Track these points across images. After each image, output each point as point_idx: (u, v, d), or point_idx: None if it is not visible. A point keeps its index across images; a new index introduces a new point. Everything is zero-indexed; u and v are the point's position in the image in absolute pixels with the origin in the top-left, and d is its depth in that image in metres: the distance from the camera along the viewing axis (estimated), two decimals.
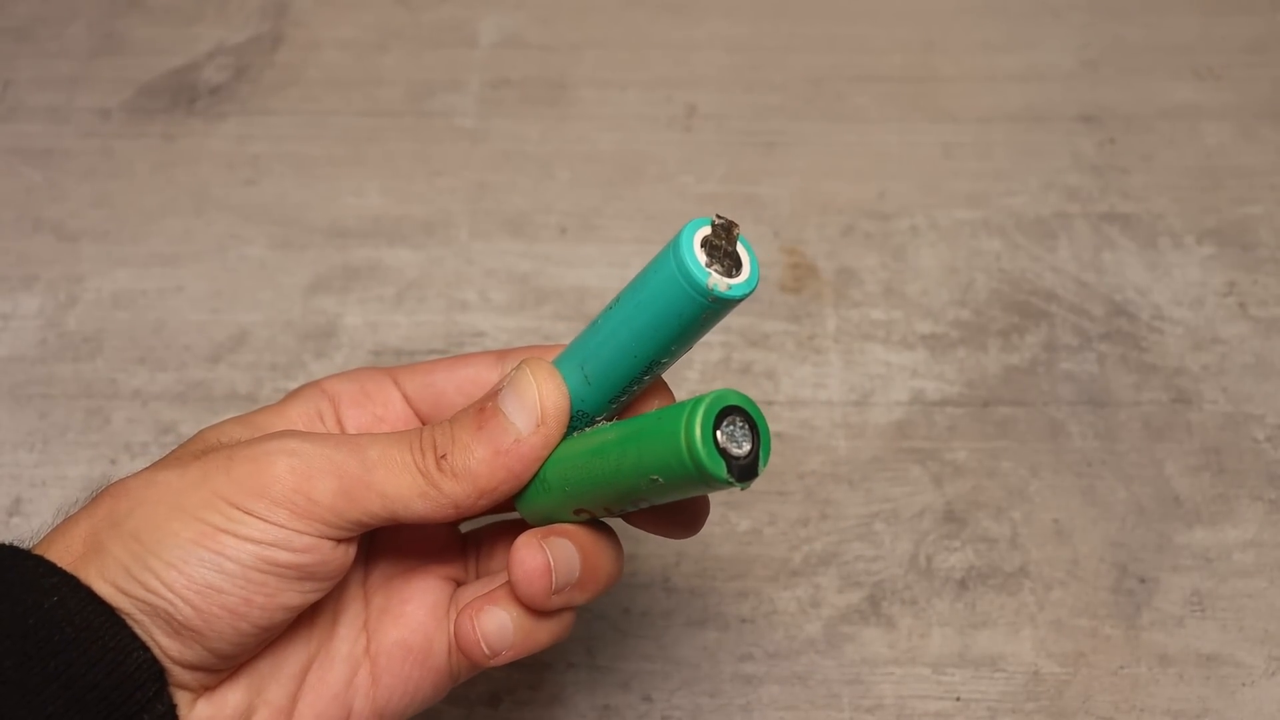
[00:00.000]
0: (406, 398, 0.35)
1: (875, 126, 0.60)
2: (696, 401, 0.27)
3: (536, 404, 0.31)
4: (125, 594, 0.29)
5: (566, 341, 0.33)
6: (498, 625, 0.32)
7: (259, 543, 0.29)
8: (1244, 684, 0.44)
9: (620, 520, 0.33)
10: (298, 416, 0.34)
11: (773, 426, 0.50)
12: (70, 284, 0.54)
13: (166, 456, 0.33)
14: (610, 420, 0.32)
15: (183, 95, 0.61)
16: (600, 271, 0.54)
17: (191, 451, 0.32)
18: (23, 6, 0.65)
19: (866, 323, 0.53)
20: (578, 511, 0.32)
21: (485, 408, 0.31)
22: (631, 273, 0.30)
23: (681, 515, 0.33)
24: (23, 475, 0.49)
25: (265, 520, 0.29)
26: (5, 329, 0.53)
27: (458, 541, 0.37)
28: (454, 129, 0.60)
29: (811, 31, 0.64)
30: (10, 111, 0.61)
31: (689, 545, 0.47)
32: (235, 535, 0.29)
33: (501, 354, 0.35)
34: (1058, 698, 0.43)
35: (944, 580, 0.46)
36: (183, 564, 0.29)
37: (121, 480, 0.31)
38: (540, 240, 0.56)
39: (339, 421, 0.35)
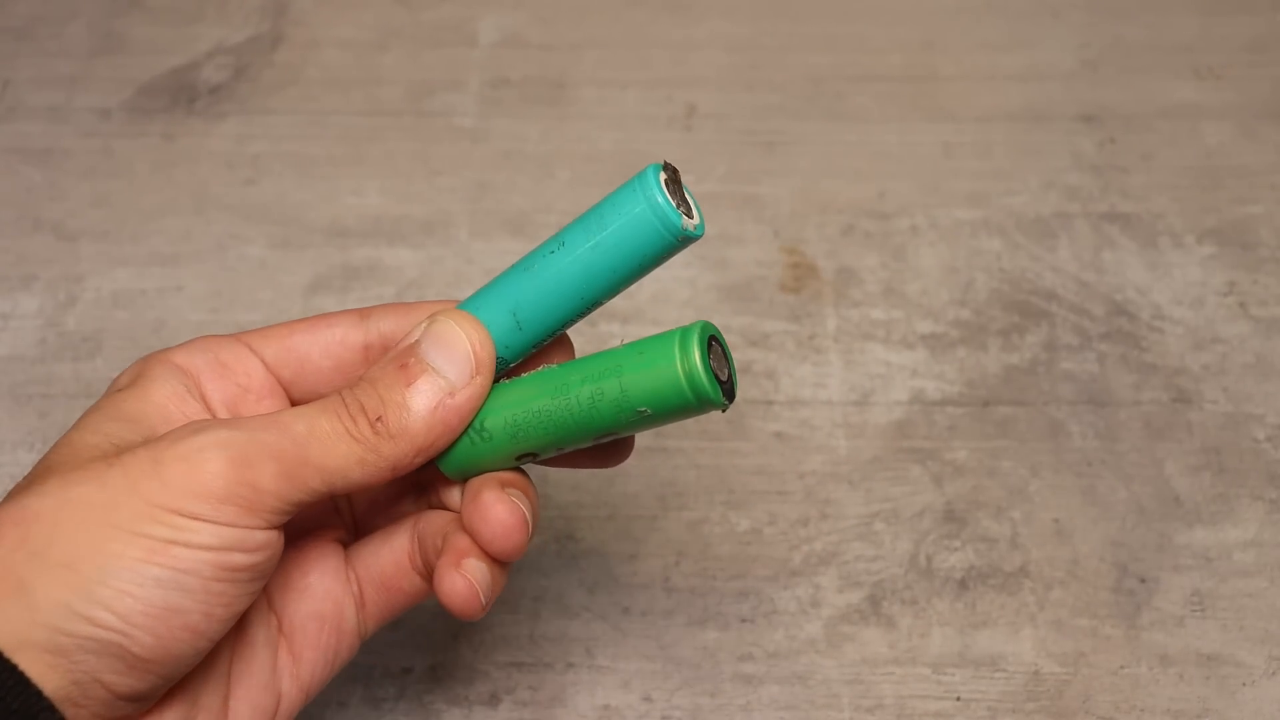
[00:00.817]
0: (266, 364, 0.33)
1: (875, 126, 0.60)
2: (685, 332, 0.29)
3: (469, 354, 0.31)
4: (68, 635, 0.26)
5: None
6: (483, 575, 0.32)
7: (214, 549, 0.27)
8: (1244, 684, 0.44)
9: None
10: (164, 398, 0.31)
11: (772, 426, 0.50)
12: (70, 284, 0.54)
13: (49, 469, 0.29)
14: (524, 365, 0.33)
15: (182, 95, 0.61)
16: None
17: (84, 459, 0.28)
18: (23, 6, 0.65)
19: (866, 322, 0.53)
20: (520, 457, 0.32)
21: (408, 364, 0.31)
22: None
23: (615, 444, 0.34)
24: (22, 475, 0.49)
25: (215, 522, 0.27)
26: (5, 329, 0.53)
27: (330, 503, 0.36)
28: (454, 129, 0.60)
29: (811, 31, 0.64)
30: (10, 111, 0.61)
31: (689, 545, 0.47)
32: (187, 545, 0.27)
33: (364, 312, 0.34)
34: (1058, 698, 0.43)
35: (944, 580, 0.46)
36: (137, 589, 0.26)
37: (17, 502, 0.28)
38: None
39: (203, 397, 0.32)
